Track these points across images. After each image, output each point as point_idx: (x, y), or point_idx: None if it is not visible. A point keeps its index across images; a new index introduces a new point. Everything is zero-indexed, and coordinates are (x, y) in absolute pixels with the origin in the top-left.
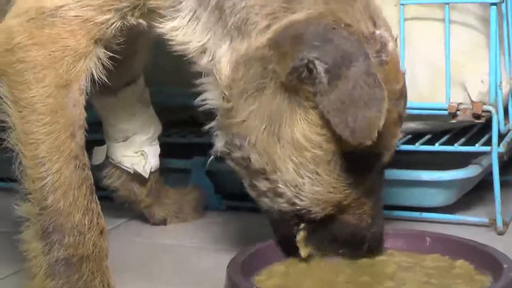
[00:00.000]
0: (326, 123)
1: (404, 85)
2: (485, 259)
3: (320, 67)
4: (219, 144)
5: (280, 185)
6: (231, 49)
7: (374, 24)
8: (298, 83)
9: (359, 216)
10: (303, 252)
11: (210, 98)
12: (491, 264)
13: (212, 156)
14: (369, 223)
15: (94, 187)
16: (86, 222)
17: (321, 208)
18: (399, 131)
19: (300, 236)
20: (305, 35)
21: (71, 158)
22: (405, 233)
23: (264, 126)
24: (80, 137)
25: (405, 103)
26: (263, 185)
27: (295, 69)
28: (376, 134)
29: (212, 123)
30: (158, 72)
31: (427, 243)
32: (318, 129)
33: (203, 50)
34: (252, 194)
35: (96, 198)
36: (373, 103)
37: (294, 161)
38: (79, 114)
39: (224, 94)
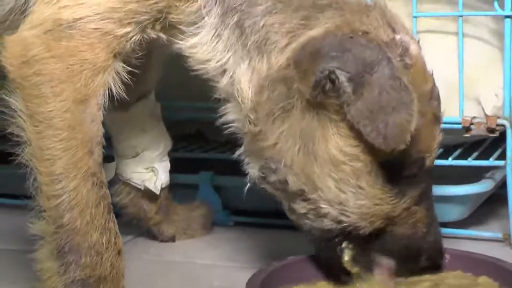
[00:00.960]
0: (358, 134)
1: (434, 85)
2: (508, 276)
3: (342, 76)
4: (253, 170)
5: (322, 205)
6: (250, 69)
7: (393, 30)
8: (323, 98)
9: (412, 226)
10: (352, 271)
11: (233, 121)
12: None
13: (249, 183)
14: (425, 232)
15: (111, 206)
16: (104, 242)
17: (369, 222)
18: (438, 132)
19: (348, 255)
20: (322, 48)
21: (89, 175)
22: None
23: (297, 147)
24: (98, 154)
25: (439, 103)
26: (301, 206)
27: (318, 83)
28: (409, 138)
29: (241, 149)
30: (165, 86)
31: (447, 260)
32: (352, 141)
33: (223, 70)
34: (292, 217)
35: (114, 217)
36: (402, 106)
37: (334, 178)
38: (97, 130)
39: (250, 118)
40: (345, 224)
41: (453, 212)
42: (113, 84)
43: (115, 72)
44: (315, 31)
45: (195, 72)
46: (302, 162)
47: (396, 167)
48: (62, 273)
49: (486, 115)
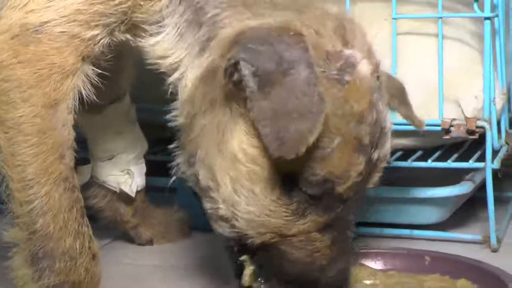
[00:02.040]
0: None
1: (371, 111)
2: (488, 278)
3: (245, 69)
4: (178, 164)
5: (220, 205)
6: (199, 65)
7: (345, 43)
8: (233, 89)
9: (310, 254)
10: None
11: (176, 115)
12: (495, 284)
13: (174, 177)
14: (324, 265)
15: (84, 210)
16: (78, 247)
17: (257, 232)
18: (359, 161)
19: (247, 270)
20: (243, 39)
21: (60, 180)
22: (404, 253)
23: (212, 141)
24: (69, 158)
25: (375, 132)
26: (208, 206)
27: (225, 71)
28: (303, 149)
29: (175, 143)
30: (141, 89)
31: (427, 263)
32: (254, 141)
33: (177, 66)
34: (207, 217)
35: (87, 221)
36: (309, 115)
37: (231, 176)
38: (68, 134)
39: (184, 111)
40: (236, 230)
41: (433, 215)
42: (83, 87)
43: (84, 75)
44: (252, 23)
45: (149, 66)
46: (211, 157)
47: (298, 182)
48: (36, 279)
49: (466, 117)
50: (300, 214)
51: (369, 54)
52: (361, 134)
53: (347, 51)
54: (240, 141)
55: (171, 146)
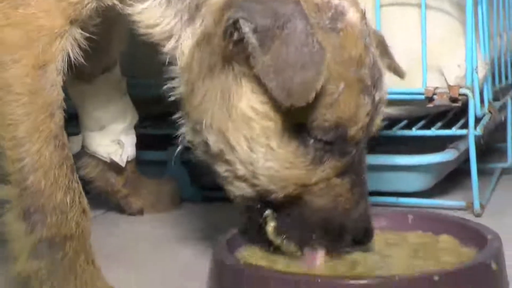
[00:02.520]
0: (267, 90)
1: (368, 54)
2: (468, 233)
3: (246, 27)
4: (183, 134)
5: (238, 166)
6: (192, 33)
7: None
8: (235, 50)
9: (332, 200)
10: (275, 242)
11: (175, 85)
12: (475, 238)
13: (179, 146)
14: (347, 209)
15: (74, 167)
16: (68, 202)
17: (280, 186)
18: (369, 102)
19: (270, 226)
20: (236, 0)
21: (51, 138)
22: (387, 213)
23: (217, 105)
24: (59, 117)
25: (373, 74)
26: (223, 170)
27: (225, 33)
28: (313, 96)
29: (178, 113)
30: (132, 64)
31: (409, 221)
32: (263, 97)
33: (169, 35)
34: (221, 183)
35: (77, 177)
36: (311, 64)
37: (246, 136)
38: (57, 95)
39: (184, 79)
40: (258, 188)
41: (418, 182)
42: (71, 50)
43: (72, 38)
44: None
45: (141, 36)
46: (220, 121)
47: (312, 130)
48: (29, 233)
49: (449, 85)
50: (319, 162)
51: (355, 2)
52: (363, 77)
53: (335, 1)
54: (248, 100)
55: (175, 116)
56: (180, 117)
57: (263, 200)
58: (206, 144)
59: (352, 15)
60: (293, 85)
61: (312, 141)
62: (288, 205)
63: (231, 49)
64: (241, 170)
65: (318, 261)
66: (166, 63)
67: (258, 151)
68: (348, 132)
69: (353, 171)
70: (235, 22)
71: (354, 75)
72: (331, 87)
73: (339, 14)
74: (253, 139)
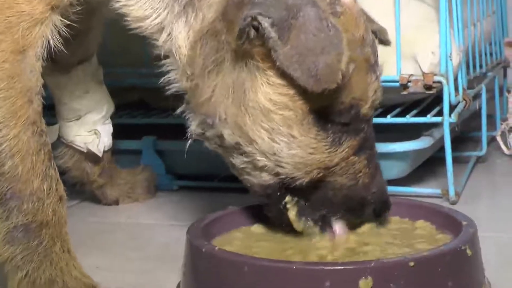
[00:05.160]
0: (289, 80)
1: (367, 33)
2: (444, 219)
3: (264, 22)
4: (192, 127)
5: (258, 157)
6: (187, 26)
7: None
8: (249, 46)
9: (353, 177)
10: (298, 227)
11: (173, 79)
12: (451, 224)
13: (190, 140)
14: (367, 183)
15: (52, 154)
16: (45, 188)
17: (305, 172)
18: (375, 79)
19: (293, 211)
20: None
21: (29, 124)
22: None
23: (230, 99)
24: (37, 103)
25: (374, 52)
26: (240, 161)
27: (242, 31)
28: (340, 76)
29: (183, 106)
30: (107, 53)
31: None
32: (281, 89)
33: (161, 27)
34: (235, 173)
35: (55, 164)
36: (331, 46)
37: (266, 128)
38: (36, 80)
39: (187, 73)
40: (282, 176)
41: (393, 170)
42: (51, 37)
43: (53, 25)
44: None
45: (133, 30)
46: (235, 115)
47: (328, 114)
48: (4, 219)
49: (423, 73)
50: (338, 143)
51: None
52: (368, 55)
53: None
54: (266, 93)
55: (178, 111)
56: (184, 112)
57: (285, 187)
58: (220, 137)
59: None
60: (318, 70)
61: (330, 124)
62: (309, 189)
63: (247, 46)
64: (262, 161)
65: (344, 233)
66: (162, 56)
67: (281, 140)
68: (360, 110)
69: (367, 147)
70: (253, 19)
71: (360, 55)
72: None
73: None
74: (274, 129)
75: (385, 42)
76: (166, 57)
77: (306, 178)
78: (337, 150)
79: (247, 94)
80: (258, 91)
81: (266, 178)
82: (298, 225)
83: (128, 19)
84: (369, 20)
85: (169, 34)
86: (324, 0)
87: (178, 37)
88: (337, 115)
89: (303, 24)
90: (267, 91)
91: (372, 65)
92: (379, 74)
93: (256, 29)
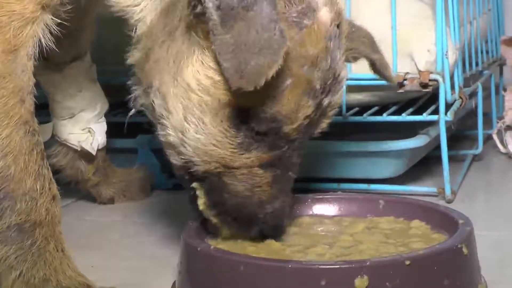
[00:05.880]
0: (217, 66)
1: (326, 59)
2: (440, 218)
3: (209, 2)
4: (135, 97)
5: (170, 131)
6: (159, 2)
7: None
8: (195, 20)
9: (250, 188)
10: (205, 215)
11: (133, 52)
12: (447, 223)
13: (133, 110)
14: (263, 200)
15: (45, 153)
16: (38, 188)
17: (203, 160)
18: (312, 105)
19: (201, 199)
20: None
21: (21, 123)
22: (358, 198)
23: (168, 69)
24: (30, 103)
25: (327, 78)
26: (161, 134)
27: (189, 3)
28: (262, 82)
29: (132, 79)
30: (100, 51)
31: (381, 207)
32: (210, 72)
33: (140, 10)
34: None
35: (47, 163)
36: (269, 50)
37: (183, 104)
38: (28, 80)
39: (143, 44)
40: (183, 158)
41: (389, 168)
42: (43, 36)
43: (44, 24)
44: None
45: (117, 14)
46: (167, 85)
47: (247, 117)
48: None
49: (419, 71)
50: (245, 148)
51: (332, 2)
52: (313, 78)
53: None
54: (195, 71)
55: (129, 81)
56: (132, 83)
57: (188, 171)
58: (152, 106)
59: (323, 14)
60: (246, 68)
61: (244, 127)
62: (211, 182)
63: (192, 19)
64: (171, 136)
65: None
66: (134, 34)
67: (191, 121)
68: (282, 128)
69: (280, 167)
70: None
71: (304, 74)
72: (278, 80)
73: (310, 10)
74: (189, 108)
75: (380, 74)
76: (136, 37)
77: (202, 167)
78: (242, 154)
79: (181, 66)
80: (190, 66)
81: (174, 156)
82: (206, 213)
83: (114, 9)
84: (373, 49)
85: (141, 12)
86: (296, 5)
87: (148, 14)
88: (255, 121)
89: (252, 18)
90: (197, 70)
91: (313, 89)
92: (327, 104)
93: (202, 5)
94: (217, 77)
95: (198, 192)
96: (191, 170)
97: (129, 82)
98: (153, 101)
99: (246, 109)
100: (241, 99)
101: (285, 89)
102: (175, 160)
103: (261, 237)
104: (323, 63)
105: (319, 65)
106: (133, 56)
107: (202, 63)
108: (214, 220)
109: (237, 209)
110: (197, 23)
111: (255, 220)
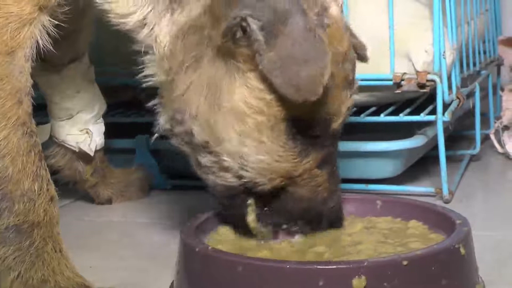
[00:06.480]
0: (268, 86)
1: (350, 49)
2: (437, 218)
3: (253, 24)
4: (161, 122)
5: (225, 158)
6: (171, 22)
7: None
8: (233, 45)
9: (313, 189)
10: (253, 231)
11: (151, 74)
12: (444, 223)
13: (156, 134)
14: (325, 197)
15: (42, 154)
16: (36, 189)
17: (268, 179)
18: (349, 97)
19: (251, 214)
20: None
21: (19, 124)
22: (356, 198)
23: (204, 97)
24: (27, 104)
25: (353, 68)
26: (207, 160)
27: (229, 29)
28: (321, 90)
29: (155, 100)
30: (99, 52)
31: (378, 207)
32: (258, 93)
33: (143, 24)
34: (199, 172)
35: (45, 164)
36: (315, 58)
37: (237, 130)
38: (25, 81)
39: (164, 67)
40: (245, 180)
41: (387, 168)
42: (40, 37)
43: (41, 25)
44: None
45: (116, 27)
46: (207, 113)
47: (300, 125)
48: None
49: (417, 71)
50: (304, 155)
51: None
52: (347, 72)
53: None
54: (242, 96)
55: (149, 104)
56: (156, 105)
57: (247, 190)
58: (189, 134)
59: (334, 10)
60: (300, 80)
61: (300, 135)
62: (269, 197)
63: (229, 45)
64: (228, 162)
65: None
66: (142, 52)
67: (250, 145)
68: (332, 125)
69: (330, 162)
70: (242, 20)
71: (340, 71)
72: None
73: (324, 10)
74: (244, 132)
75: (363, 58)
76: (146, 53)
77: (269, 185)
78: (302, 161)
79: (222, 93)
80: (235, 92)
81: (230, 179)
82: (254, 227)
83: (110, 15)
84: (351, 34)
85: (150, 30)
86: (313, 10)
87: (161, 32)
88: (309, 127)
89: (291, 31)
90: (244, 94)
91: (349, 82)
92: (354, 91)
93: (244, 30)
94: (268, 96)
95: (250, 208)
96: (253, 190)
97: (152, 103)
98: (190, 129)
99: (298, 118)
100: (293, 110)
101: (328, 89)
102: (229, 182)
103: (261, 237)
104: (350, 55)
105: (348, 58)
106: (155, 78)
107: (247, 86)
108: (259, 230)
109: (304, 213)
110: (234, 48)
111: (321, 217)
